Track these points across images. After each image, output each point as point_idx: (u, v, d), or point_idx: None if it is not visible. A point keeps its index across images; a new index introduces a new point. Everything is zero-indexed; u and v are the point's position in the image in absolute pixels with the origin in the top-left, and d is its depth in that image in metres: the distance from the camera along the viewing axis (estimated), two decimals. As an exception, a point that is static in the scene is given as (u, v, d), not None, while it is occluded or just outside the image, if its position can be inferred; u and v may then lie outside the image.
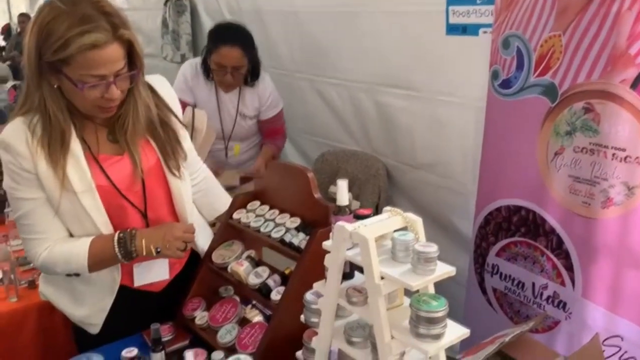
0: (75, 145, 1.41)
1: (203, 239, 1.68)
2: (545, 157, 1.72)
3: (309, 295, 1.21)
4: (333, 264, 1.09)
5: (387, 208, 1.12)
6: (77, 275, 1.50)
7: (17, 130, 1.38)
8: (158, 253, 1.46)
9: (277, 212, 1.57)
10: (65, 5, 1.27)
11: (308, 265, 1.35)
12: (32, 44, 1.29)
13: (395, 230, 1.06)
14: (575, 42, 1.59)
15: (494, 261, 1.96)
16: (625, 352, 1.60)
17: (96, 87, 1.32)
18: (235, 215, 1.63)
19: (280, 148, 2.96)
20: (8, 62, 7.52)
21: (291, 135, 3.25)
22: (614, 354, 1.61)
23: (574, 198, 1.65)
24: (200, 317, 1.56)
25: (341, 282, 1.10)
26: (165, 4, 4.06)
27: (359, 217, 1.11)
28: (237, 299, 1.59)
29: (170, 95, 1.60)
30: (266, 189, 1.64)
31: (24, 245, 1.49)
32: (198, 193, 1.72)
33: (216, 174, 2.05)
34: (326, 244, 1.12)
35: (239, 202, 1.65)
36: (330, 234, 1.11)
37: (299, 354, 1.28)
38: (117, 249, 1.43)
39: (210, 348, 1.42)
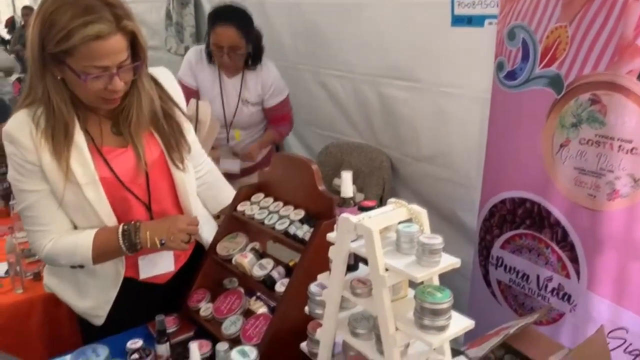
0: (79, 137, 1.41)
1: (207, 231, 1.68)
2: (551, 149, 1.71)
3: (313, 287, 1.21)
4: (337, 256, 1.09)
5: (392, 200, 1.12)
6: (82, 267, 1.50)
7: (21, 123, 1.38)
8: (162, 245, 1.46)
9: (281, 204, 1.57)
10: None
11: (312, 257, 1.34)
12: (35, 35, 1.29)
13: (399, 222, 1.06)
14: (582, 32, 1.57)
15: (499, 253, 1.96)
16: (630, 344, 1.60)
17: (99, 79, 1.32)
18: (240, 208, 1.63)
19: (283, 134, 2.93)
20: (13, 56, 7.53)
21: (295, 127, 3.24)
22: (618, 346, 1.61)
23: (579, 190, 1.64)
24: (205, 308, 1.56)
25: (345, 274, 1.10)
26: (169, -4, 4.05)
27: (363, 209, 1.10)
28: (242, 290, 1.59)
29: (174, 87, 1.60)
30: (270, 181, 1.64)
31: (28, 237, 1.50)
32: (202, 186, 1.72)
33: (216, 160, 2.05)
34: (330, 236, 1.12)
35: (243, 194, 1.65)
36: (335, 225, 1.11)
37: (303, 345, 1.28)
38: (121, 241, 1.43)
39: (214, 339, 1.42)
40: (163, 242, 1.45)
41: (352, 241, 1.06)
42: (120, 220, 1.47)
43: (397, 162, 2.70)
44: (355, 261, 1.15)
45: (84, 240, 1.44)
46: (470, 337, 1.32)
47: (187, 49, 4.00)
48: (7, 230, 2.35)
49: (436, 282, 1.04)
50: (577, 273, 1.69)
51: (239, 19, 2.57)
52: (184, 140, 1.56)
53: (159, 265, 1.58)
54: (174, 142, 1.53)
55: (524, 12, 1.74)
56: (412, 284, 1.05)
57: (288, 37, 3.13)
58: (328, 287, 1.13)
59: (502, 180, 1.91)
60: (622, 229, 1.56)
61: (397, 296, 1.07)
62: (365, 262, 1.05)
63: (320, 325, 1.18)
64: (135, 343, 1.41)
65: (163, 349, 1.41)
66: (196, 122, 2.38)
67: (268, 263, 1.50)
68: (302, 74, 3.11)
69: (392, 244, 1.05)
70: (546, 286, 1.80)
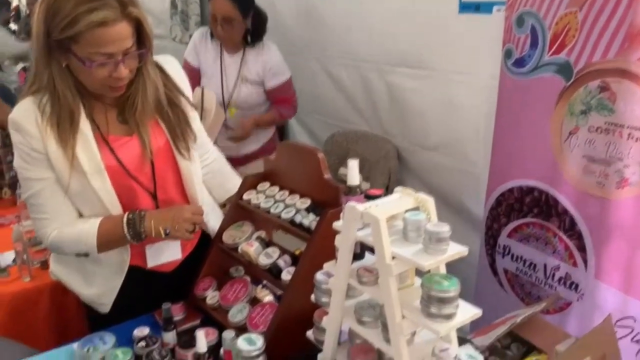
0: (85, 125, 1.41)
1: (214, 220, 1.68)
2: (559, 137, 1.69)
3: (319, 275, 1.21)
4: (344, 244, 1.08)
5: (399, 188, 1.11)
6: (86, 255, 1.50)
7: (27, 110, 1.38)
8: (167, 235, 1.46)
9: (287, 193, 1.57)
10: None
11: (318, 246, 1.34)
12: (40, 21, 1.29)
13: (406, 211, 1.05)
14: (592, 19, 1.55)
15: (506, 242, 1.95)
16: (638, 333, 1.59)
17: (104, 66, 1.31)
18: (245, 196, 1.62)
19: (283, 116, 2.85)
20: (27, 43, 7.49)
21: (300, 116, 3.23)
22: (626, 335, 1.60)
23: (588, 178, 1.62)
24: (211, 297, 1.56)
25: (352, 263, 1.10)
26: (174, -15, 4.03)
27: (370, 198, 1.10)
28: (248, 279, 1.59)
29: (179, 75, 1.59)
30: (276, 170, 1.63)
31: (33, 224, 1.50)
32: (208, 174, 1.72)
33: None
34: (337, 225, 1.11)
35: (249, 183, 1.65)
36: (341, 214, 1.10)
37: (309, 333, 1.28)
38: (126, 230, 1.43)
39: (221, 327, 1.43)
40: (168, 231, 1.45)
41: (359, 230, 1.06)
42: (125, 209, 1.47)
43: (403, 150, 2.69)
44: (361, 250, 1.14)
45: (89, 229, 1.44)
46: (476, 326, 1.32)
47: (191, 37, 3.99)
48: (14, 218, 2.36)
49: (443, 270, 1.04)
50: (585, 262, 1.68)
51: None
52: (190, 128, 1.55)
53: (166, 254, 1.58)
54: (179, 131, 1.52)
55: (533, -2, 1.71)
56: (419, 273, 1.04)
57: (294, 25, 3.11)
58: (334, 276, 1.13)
59: (509, 168, 1.89)
60: (631, 218, 1.55)
61: (404, 284, 1.07)
62: (372, 250, 1.05)
63: (326, 313, 1.17)
64: (142, 331, 1.42)
65: (170, 336, 1.41)
66: (201, 110, 2.37)
67: (274, 252, 1.50)
68: (308, 62, 3.10)
69: (399, 233, 1.04)
70: (553, 275, 1.79)
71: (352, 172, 1.14)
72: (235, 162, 2.54)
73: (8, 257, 2.10)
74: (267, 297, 1.52)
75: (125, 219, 1.44)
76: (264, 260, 1.48)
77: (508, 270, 1.96)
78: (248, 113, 2.74)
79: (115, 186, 1.44)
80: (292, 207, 1.50)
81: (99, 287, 1.57)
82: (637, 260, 1.57)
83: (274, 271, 1.45)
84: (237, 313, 1.46)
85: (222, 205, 1.82)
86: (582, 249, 1.68)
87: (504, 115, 1.90)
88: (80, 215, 1.48)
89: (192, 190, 1.58)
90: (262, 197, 1.59)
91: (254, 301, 1.52)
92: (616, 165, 1.55)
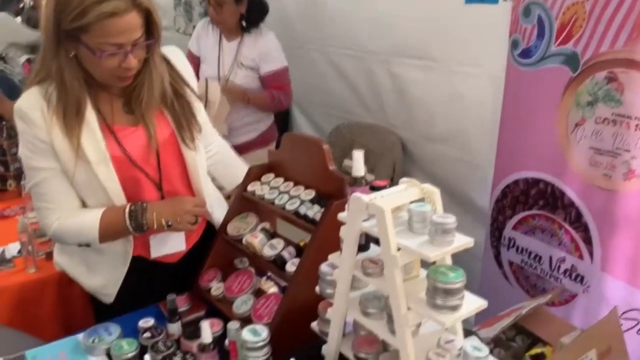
0: (91, 115, 1.41)
1: (219, 212, 1.68)
2: (566, 128, 1.68)
3: (324, 267, 1.20)
4: (349, 235, 1.08)
5: (404, 179, 1.10)
6: (88, 245, 1.51)
7: (32, 100, 1.38)
8: (169, 227, 1.46)
9: (291, 184, 1.56)
10: None
11: (323, 237, 1.34)
12: (50, 11, 1.29)
13: (411, 202, 1.04)
14: (599, 8, 1.53)
15: (511, 234, 1.94)
16: (644, 325, 1.59)
17: (114, 56, 1.32)
18: (250, 188, 1.62)
19: (275, 98, 2.79)
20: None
21: (304, 108, 3.22)
22: (632, 327, 1.60)
23: (594, 170, 1.61)
24: (216, 288, 1.56)
25: (357, 254, 1.09)
26: (177, -24, 4.02)
27: (375, 189, 1.09)
28: (252, 270, 1.59)
29: (185, 67, 1.59)
30: (280, 161, 1.63)
31: (36, 213, 1.51)
32: (214, 165, 1.72)
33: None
34: (342, 216, 1.11)
35: (254, 175, 1.64)
36: (346, 205, 1.10)
37: (314, 324, 1.28)
38: (128, 222, 1.43)
39: (226, 318, 1.43)
40: (170, 223, 1.46)
41: (364, 221, 1.05)
42: (130, 200, 1.47)
43: (408, 142, 2.68)
44: (366, 241, 1.14)
45: (91, 220, 1.44)
46: (481, 318, 1.31)
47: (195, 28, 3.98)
48: (19, 210, 2.37)
49: (449, 262, 1.03)
50: (591, 254, 1.67)
51: None
52: (195, 120, 1.55)
53: (170, 244, 1.58)
54: (184, 122, 1.52)
55: (540, -12, 1.70)
56: (424, 265, 1.04)
57: (297, 17, 3.10)
58: (339, 267, 1.12)
59: (515, 160, 1.88)
60: (638, 209, 1.54)
61: (409, 276, 1.06)
62: (377, 242, 1.04)
63: (331, 305, 1.17)
64: (147, 322, 1.42)
65: (174, 327, 1.42)
66: (205, 101, 2.37)
67: (278, 243, 1.50)
68: (312, 53, 3.08)
69: (404, 224, 1.04)
70: (559, 267, 1.78)
71: (358, 163, 1.14)
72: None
73: (13, 248, 2.11)
74: (272, 289, 1.52)
75: (127, 211, 1.44)
76: (268, 252, 1.48)
77: (513, 263, 1.96)
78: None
79: (120, 177, 1.44)
80: (297, 198, 1.50)
81: (103, 277, 1.57)
82: (643, 252, 1.56)
83: (279, 262, 1.45)
84: (242, 304, 1.46)
85: (227, 197, 1.82)
86: (588, 241, 1.67)
87: (510, 106, 1.89)
88: (84, 205, 1.48)
89: (197, 182, 1.57)
90: (267, 189, 1.58)
91: (259, 292, 1.52)
92: (623, 156, 1.53)
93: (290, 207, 1.48)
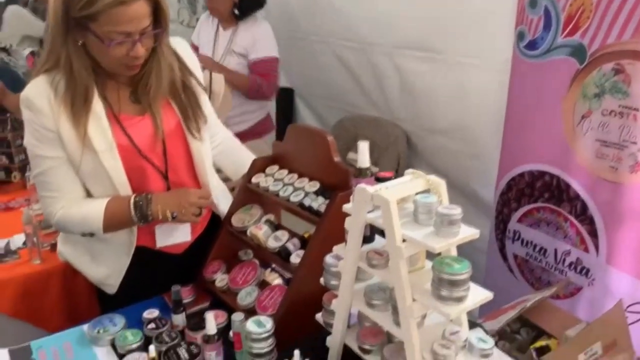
0: (97, 104, 1.41)
1: (224, 203, 1.68)
2: (572, 120, 1.67)
3: (329, 258, 1.20)
4: (354, 227, 1.07)
5: (409, 170, 1.10)
6: (92, 235, 1.51)
7: (39, 88, 1.38)
8: (174, 218, 1.46)
9: (296, 176, 1.56)
10: None
11: (328, 229, 1.33)
12: (58, 0, 1.28)
13: (417, 193, 1.04)
14: (607, 0, 1.52)
15: (516, 227, 1.93)
16: (649, 318, 1.59)
17: (122, 45, 1.32)
18: (254, 180, 1.62)
19: (255, 83, 2.75)
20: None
21: (308, 100, 3.20)
22: (637, 320, 1.60)
23: (600, 162, 1.60)
24: (221, 279, 1.56)
25: (361, 246, 1.09)
26: (181, -32, 4.01)
27: (380, 180, 1.09)
28: (257, 262, 1.59)
29: (191, 58, 1.59)
30: (285, 152, 1.62)
31: (41, 202, 1.51)
32: (218, 155, 1.72)
33: None
34: (347, 207, 1.10)
35: (258, 166, 1.64)
36: (351, 197, 1.09)
37: (318, 316, 1.28)
38: (133, 213, 1.43)
39: (230, 310, 1.43)
40: (175, 215, 1.46)
41: (369, 212, 1.05)
42: (135, 190, 1.47)
43: (412, 135, 2.67)
44: (371, 233, 1.13)
45: (95, 209, 1.44)
46: (486, 310, 1.31)
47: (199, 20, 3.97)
48: (24, 202, 2.37)
49: (454, 253, 1.03)
50: (596, 247, 1.67)
51: None
52: (200, 110, 1.55)
53: (175, 235, 1.59)
54: (191, 112, 1.52)
55: (547, -21, 1.68)
56: (430, 256, 1.03)
57: (301, 9, 3.08)
58: (344, 258, 1.12)
59: (520, 153, 1.88)
60: (644, 202, 1.53)
61: (414, 267, 1.06)
62: (382, 233, 1.04)
63: (335, 296, 1.17)
64: (152, 313, 1.42)
65: (179, 319, 1.42)
66: (210, 93, 2.37)
67: (283, 235, 1.50)
68: (315, 46, 3.07)
69: (410, 215, 1.03)
70: (564, 260, 1.78)
71: (363, 154, 1.13)
72: None
73: (18, 239, 2.12)
74: (276, 280, 1.52)
75: (132, 201, 1.44)
76: (272, 244, 1.48)
77: (518, 255, 1.95)
78: (235, 91, 2.74)
79: (126, 166, 1.44)
80: (301, 190, 1.49)
81: (107, 267, 1.57)
82: (649, 245, 1.55)
83: (283, 254, 1.45)
84: (246, 296, 1.46)
85: (232, 189, 1.82)
86: (593, 234, 1.67)
87: (516, 98, 1.88)
88: (89, 195, 1.48)
89: (203, 172, 1.57)
90: (271, 180, 1.58)
91: (263, 284, 1.52)
92: (630, 149, 1.53)
93: (295, 198, 1.48)
